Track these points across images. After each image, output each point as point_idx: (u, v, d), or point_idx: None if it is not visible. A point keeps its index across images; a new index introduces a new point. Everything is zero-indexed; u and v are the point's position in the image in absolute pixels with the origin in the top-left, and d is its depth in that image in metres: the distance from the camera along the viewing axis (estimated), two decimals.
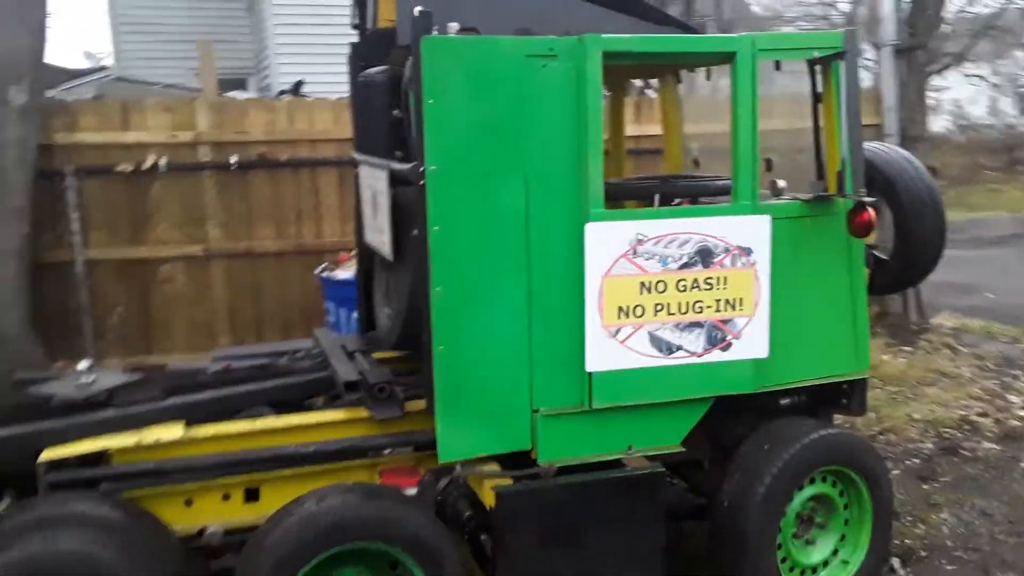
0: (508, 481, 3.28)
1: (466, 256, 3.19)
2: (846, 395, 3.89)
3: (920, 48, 8.48)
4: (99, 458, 3.23)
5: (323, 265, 6.65)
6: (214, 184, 6.89)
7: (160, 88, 10.30)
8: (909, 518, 4.51)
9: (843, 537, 3.76)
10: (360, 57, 4.14)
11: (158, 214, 6.86)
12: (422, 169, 3.10)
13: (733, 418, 3.76)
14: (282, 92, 10.06)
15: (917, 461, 5.24)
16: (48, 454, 3.15)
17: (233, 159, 6.86)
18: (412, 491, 3.34)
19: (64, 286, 6.69)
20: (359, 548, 3.03)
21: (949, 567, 4.07)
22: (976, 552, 4.18)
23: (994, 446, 5.40)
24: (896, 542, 4.24)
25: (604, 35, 3.21)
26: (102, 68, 16.47)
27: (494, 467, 3.37)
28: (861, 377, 3.84)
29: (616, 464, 3.45)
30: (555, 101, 3.21)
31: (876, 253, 4.30)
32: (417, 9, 3.09)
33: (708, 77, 4.33)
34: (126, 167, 6.73)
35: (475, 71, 3.12)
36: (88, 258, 6.73)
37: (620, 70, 4.22)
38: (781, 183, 3.69)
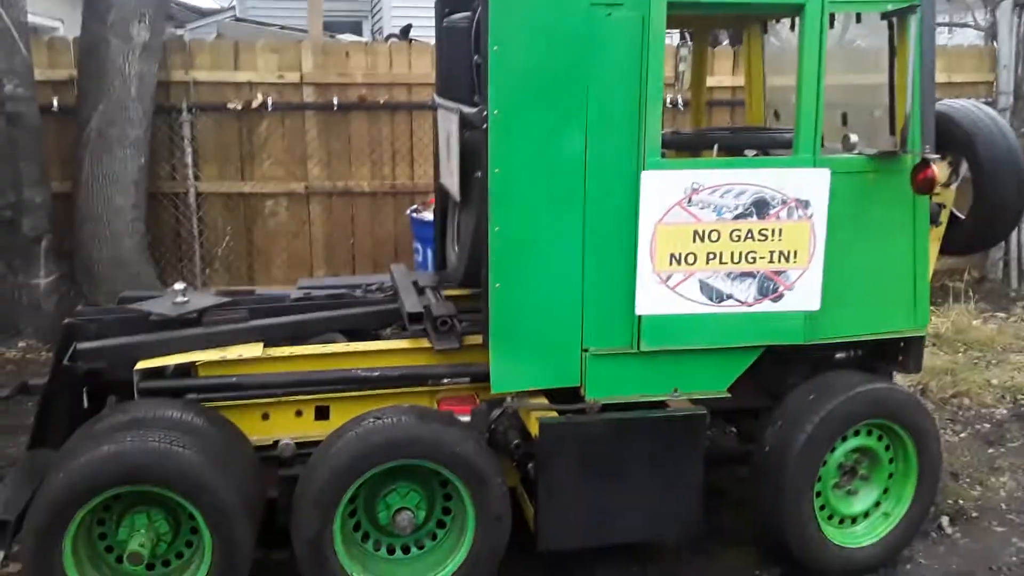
0: (554, 414, 3.47)
1: (525, 198, 3.33)
2: (902, 352, 3.87)
3: None
4: (187, 370, 3.58)
5: (414, 206, 6.92)
6: (316, 124, 7.24)
7: (277, 30, 10.71)
8: (968, 479, 4.50)
9: (886, 490, 3.80)
10: (446, 3, 4.30)
11: (264, 151, 7.27)
12: (486, 113, 3.26)
13: (786, 369, 3.83)
14: (390, 36, 10.33)
15: (988, 425, 5.17)
16: (143, 364, 3.51)
17: (335, 100, 7.17)
18: (466, 418, 3.56)
19: (177, 215, 7.21)
20: (411, 465, 3.29)
21: (999, 528, 4.07)
22: None
23: None
24: (949, 502, 4.26)
25: None
26: (230, 8, 17.16)
27: (543, 401, 3.55)
28: (918, 335, 3.82)
29: (660, 405, 3.57)
30: (618, 50, 3.28)
31: (954, 211, 4.24)
32: None
33: (793, 27, 4.30)
34: (236, 104, 7.13)
35: (540, 20, 3.22)
36: (199, 190, 7.20)
37: (704, 20, 4.24)
38: (853, 137, 3.65)
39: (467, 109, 3.62)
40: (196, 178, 7.19)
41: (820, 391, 3.65)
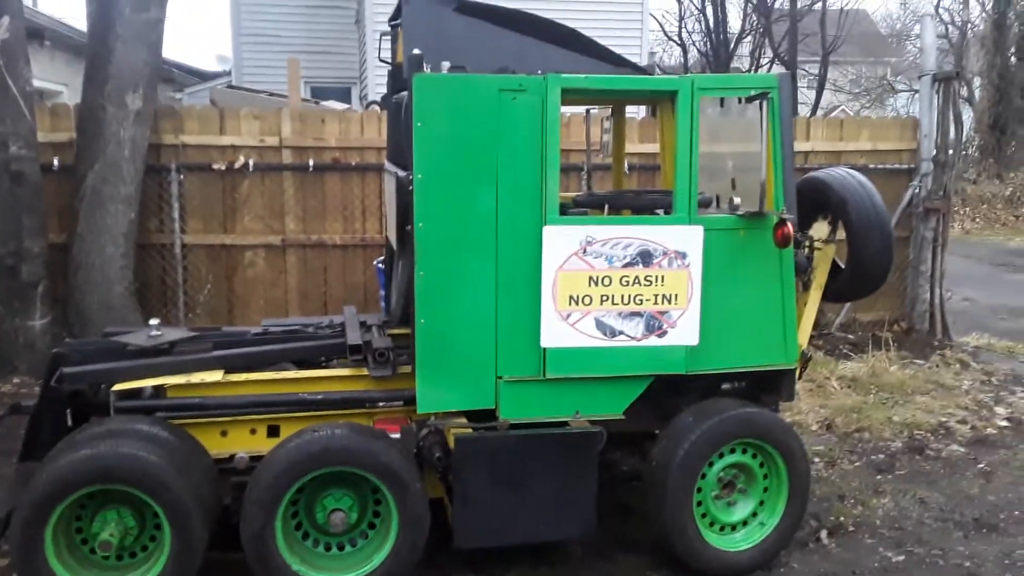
0: (469, 430, 4.06)
1: (445, 248, 3.97)
2: (777, 383, 4.48)
3: (954, 77, 8.80)
4: (157, 392, 4.17)
5: (381, 257, 7.56)
6: (293, 183, 7.94)
7: (265, 96, 11.48)
8: (852, 500, 5.06)
9: (762, 503, 4.37)
10: (396, 82, 4.99)
11: (245, 207, 7.95)
12: (411, 177, 3.93)
13: (678, 397, 4.43)
14: (371, 102, 11.10)
15: (882, 456, 5.74)
16: (119, 386, 4.11)
17: (310, 162, 7.89)
18: (396, 436, 4.15)
19: (163, 265, 7.86)
20: (343, 472, 3.87)
21: (870, 540, 4.62)
22: (899, 531, 4.70)
23: (960, 448, 5.84)
24: (831, 518, 4.82)
25: (564, 74, 3.96)
26: (227, 72, 18.06)
27: (462, 420, 4.15)
28: (789, 368, 4.43)
29: (563, 424, 4.17)
30: (523, 126, 3.96)
31: (837, 262, 4.88)
32: (414, 51, 3.93)
33: (722, 105, 4.97)
34: (220, 165, 7.84)
35: (456, 101, 3.91)
36: (184, 242, 7.87)
37: (605, 100, 4.94)
38: (736, 199, 4.32)
39: (401, 172, 4.28)
40: (182, 231, 7.86)
41: (698, 414, 4.25)
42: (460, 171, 3.95)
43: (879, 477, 5.42)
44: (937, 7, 28.92)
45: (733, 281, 4.24)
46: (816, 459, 5.69)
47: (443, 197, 3.95)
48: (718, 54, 29.45)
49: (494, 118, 3.93)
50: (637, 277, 4.10)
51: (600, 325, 4.11)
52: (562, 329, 4.08)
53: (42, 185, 7.18)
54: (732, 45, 30.53)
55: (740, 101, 4.20)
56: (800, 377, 4.84)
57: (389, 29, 4.83)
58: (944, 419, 6.27)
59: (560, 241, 4.02)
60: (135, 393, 4.14)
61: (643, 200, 4.58)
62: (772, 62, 29.42)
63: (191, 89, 16.94)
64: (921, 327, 8.68)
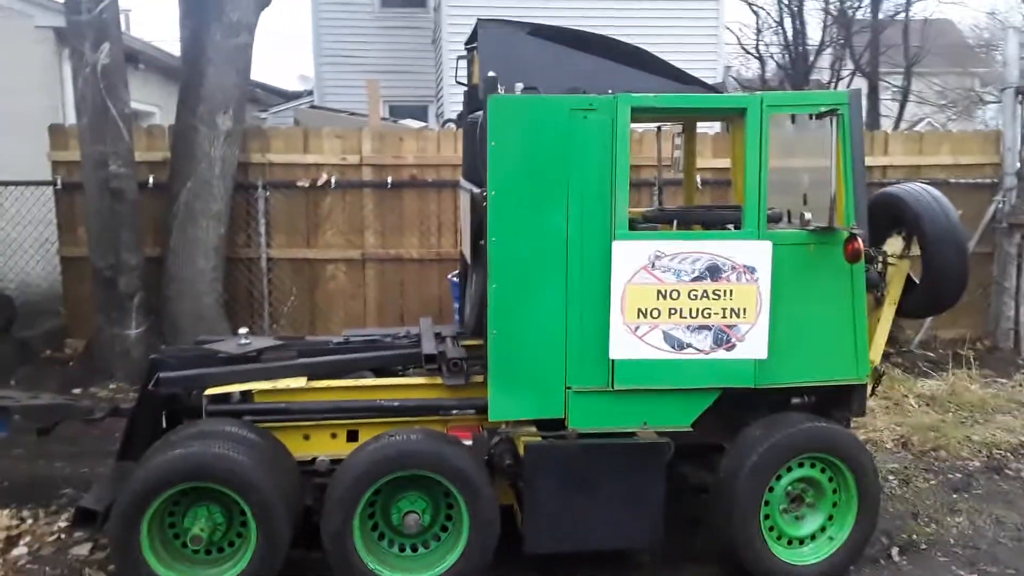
0: (538, 439, 4.19)
1: (517, 262, 4.13)
2: (848, 398, 4.48)
3: None
4: (245, 396, 4.41)
5: (455, 271, 7.77)
6: (372, 199, 8.23)
7: (346, 116, 11.88)
8: (925, 518, 5.01)
9: (831, 517, 4.37)
10: (472, 103, 5.18)
11: (327, 222, 8.27)
12: (485, 194, 4.09)
13: (747, 410, 4.48)
14: (446, 121, 11.38)
15: (958, 475, 5.65)
16: (210, 391, 4.37)
17: (389, 179, 8.16)
18: (468, 442, 4.30)
19: (250, 277, 8.22)
20: (417, 475, 4.04)
21: (942, 559, 4.57)
22: (973, 550, 4.64)
23: None
24: (903, 536, 4.78)
25: (633, 93, 4.08)
26: (309, 92, 18.65)
27: (532, 429, 4.27)
28: (860, 383, 4.43)
29: (631, 434, 4.25)
30: (593, 144, 4.09)
31: (912, 278, 4.85)
32: (489, 73, 4.10)
33: (793, 122, 5.00)
34: (304, 183, 8.17)
35: (529, 121, 4.06)
36: (270, 256, 8.21)
37: (676, 117, 5.04)
38: (808, 215, 4.36)
39: (475, 189, 4.45)
40: (268, 245, 8.21)
41: (767, 427, 4.29)
42: (532, 188, 4.10)
43: (955, 496, 5.34)
44: None
45: (803, 296, 4.28)
46: (891, 477, 5.64)
47: (515, 213, 4.10)
48: (796, 67, 29.04)
49: (565, 137, 4.07)
50: (705, 291, 4.17)
51: (668, 338, 4.19)
52: (630, 341, 4.18)
53: (138, 201, 7.60)
54: (812, 57, 30.08)
55: (811, 118, 4.24)
56: (873, 393, 4.82)
57: (465, 52, 5.01)
58: None
59: (629, 256, 4.13)
60: (225, 397, 4.38)
61: (712, 215, 4.65)
62: (853, 74, 28.87)
63: (275, 109, 17.58)
64: (1004, 345, 8.48)
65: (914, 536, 4.79)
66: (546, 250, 4.13)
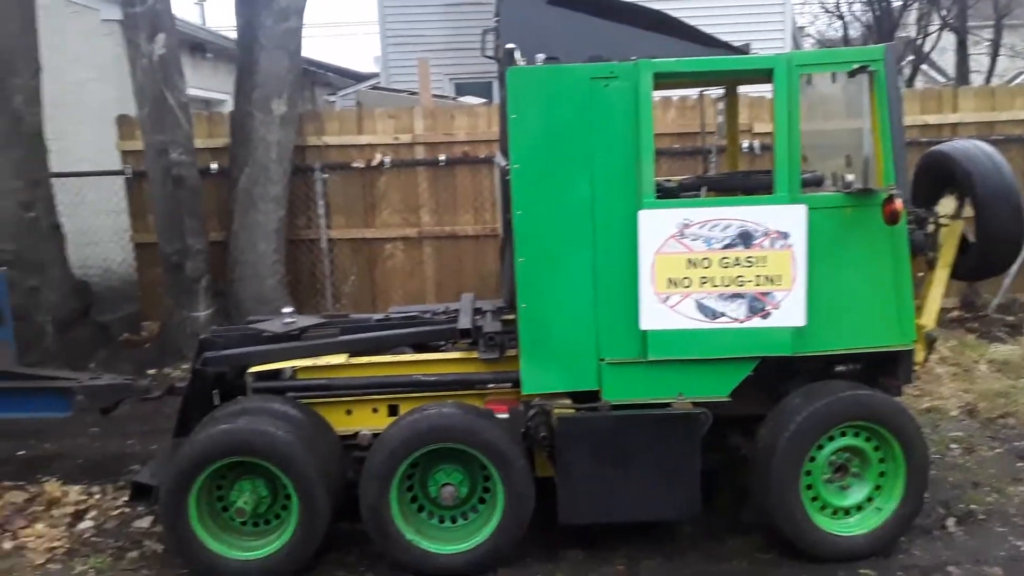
0: (571, 411, 4.19)
1: (543, 234, 4.12)
2: (893, 365, 4.34)
3: None
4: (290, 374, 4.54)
5: None
6: (426, 178, 8.31)
7: (406, 95, 11.97)
8: (987, 488, 4.82)
9: (878, 487, 4.24)
10: (502, 77, 5.16)
11: (383, 202, 8.39)
12: (508, 166, 4.09)
13: (788, 379, 4.39)
14: None
15: None
16: (255, 368, 4.51)
17: (442, 157, 8.22)
18: (504, 416, 4.33)
19: (311, 259, 8.40)
20: (452, 448, 4.10)
21: (1000, 529, 4.39)
22: None
23: None
24: (961, 506, 4.62)
25: (655, 59, 4.01)
26: (377, 74, 18.82)
27: (567, 401, 4.27)
28: (905, 349, 4.28)
29: (665, 405, 4.21)
30: (616, 112, 4.04)
31: (967, 238, 4.65)
32: (508, 45, 4.09)
33: (833, 80, 4.86)
34: (359, 163, 8.30)
35: (549, 92, 4.04)
36: (330, 237, 8.38)
37: (708, 82, 4.93)
38: (849, 177, 4.22)
39: (503, 163, 4.45)
40: (327, 227, 8.37)
41: (806, 395, 4.19)
42: (555, 159, 4.08)
43: (1020, 464, 5.13)
44: None
45: (842, 260, 4.16)
46: (953, 445, 5.45)
47: (539, 185, 4.09)
48: (881, 24, 27.92)
49: (587, 106, 4.03)
50: (737, 258, 4.09)
51: (701, 307, 4.13)
52: (661, 312, 4.13)
53: (200, 188, 7.85)
54: (897, 15, 28.86)
55: (849, 76, 4.08)
56: (926, 359, 4.65)
57: (493, 26, 4.99)
58: None
59: (656, 224, 4.07)
60: (270, 375, 4.52)
61: (747, 181, 4.55)
62: (940, 29, 27.62)
63: (344, 91, 17.79)
64: None
65: (972, 506, 4.62)
66: (572, 222, 4.11)
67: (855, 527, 4.25)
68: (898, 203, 4.02)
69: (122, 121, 8.50)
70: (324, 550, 4.22)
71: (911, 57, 26.18)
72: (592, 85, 4.03)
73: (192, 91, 8.15)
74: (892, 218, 4.06)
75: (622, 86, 4.02)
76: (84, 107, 9.72)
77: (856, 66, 4.00)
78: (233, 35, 12.75)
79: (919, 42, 26.49)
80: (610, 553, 4.32)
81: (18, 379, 5.03)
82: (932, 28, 28.92)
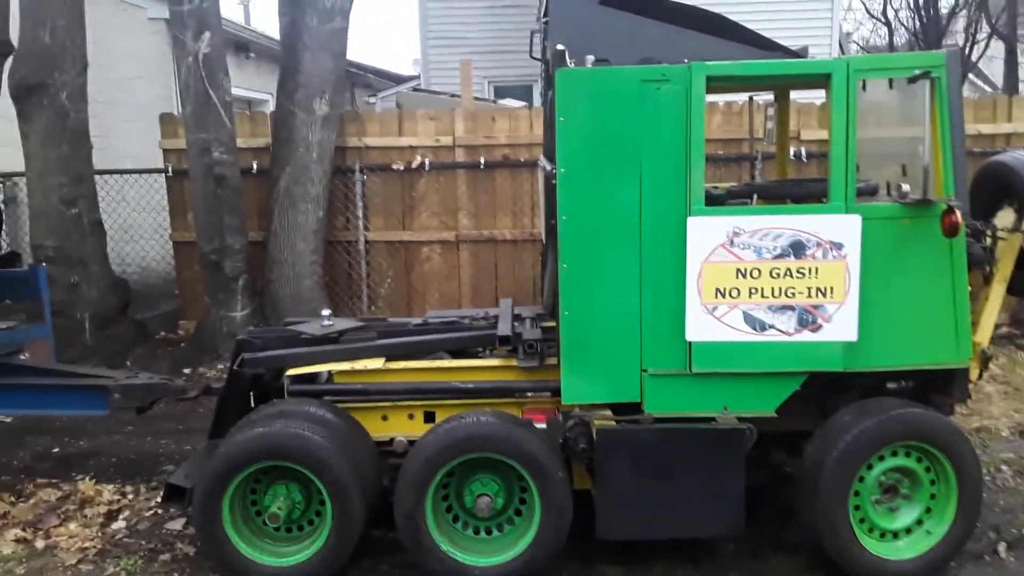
0: (611, 423, 4.08)
1: (588, 240, 4.01)
2: (948, 383, 4.17)
3: None
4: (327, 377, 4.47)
5: None
6: (466, 180, 8.23)
7: (447, 97, 11.92)
8: None
9: (929, 510, 4.08)
10: (549, 81, 5.08)
11: (421, 205, 8.33)
12: (554, 171, 4.00)
13: (838, 396, 4.24)
14: None
15: None
16: (292, 371, 4.45)
17: (482, 160, 8.14)
18: (542, 426, 4.23)
19: (348, 260, 8.37)
20: (489, 458, 4.00)
21: None
22: None
23: None
24: (1013, 530, 4.44)
25: (708, 62, 3.89)
26: (418, 76, 18.84)
27: (607, 413, 4.16)
28: (961, 367, 4.11)
29: (710, 420, 4.09)
30: (666, 117, 3.92)
31: None
32: (558, 47, 3.99)
33: (891, 86, 4.71)
34: (399, 165, 8.25)
35: (598, 95, 3.93)
36: (368, 239, 8.34)
37: (763, 86, 4.79)
38: (905, 187, 4.07)
39: (548, 167, 4.36)
40: (365, 228, 8.34)
41: (857, 413, 4.03)
42: (603, 164, 3.97)
43: None
44: None
45: (897, 274, 4.00)
46: (1004, 467, 5.26)
47: (586, 190, 3.99)
48: (928, 32, 27.45)
49: (637, 109, 3.92)
50: (788, 269, 3.95)
51: (749, 319, 4.00)
52: (708, 322, 4.01)
53: (241, 187, 7.85)
54: (944, 22, 28.35)
55: (909, 82, 3.93)
56: (980, 377, 4.48)
57: (540, 27, 4.91)
58: None
59: (705, 232, 3.95)
60: (307, 378, 4.46)
61: (801, 189, 4.41)
62: (989, 37, 27.07)
63: (384, 93, 17.81)
64: None
65: None
66: (619, 228, 4.00)
67: (904, 550, 4.09)
68: (958, 215, 3.86)
69: (164, 119, 8.54)
70: (357, 555, 4.14)
71: None
72: (643, 88, 3.92)
73: (235, 91, 8.15)
74: (951, 230, 3.90)
75: (674, 89, 3.90)
76: (129, 104, 9.80)
77: (918, 72, 3.85)
78: (276, 36, 12.82)
79: (967, 50, 25.97)
80: (647, 569, 4.20)
81: (56, 376, 5.04)
82: (980, 36, 28.38)
